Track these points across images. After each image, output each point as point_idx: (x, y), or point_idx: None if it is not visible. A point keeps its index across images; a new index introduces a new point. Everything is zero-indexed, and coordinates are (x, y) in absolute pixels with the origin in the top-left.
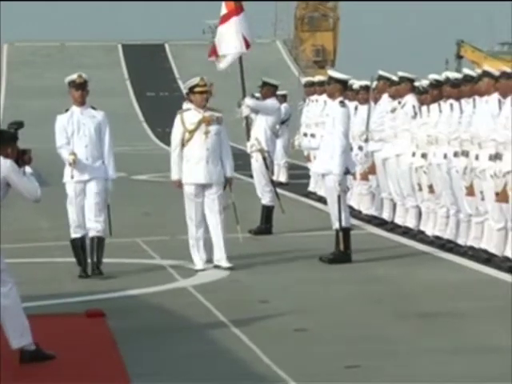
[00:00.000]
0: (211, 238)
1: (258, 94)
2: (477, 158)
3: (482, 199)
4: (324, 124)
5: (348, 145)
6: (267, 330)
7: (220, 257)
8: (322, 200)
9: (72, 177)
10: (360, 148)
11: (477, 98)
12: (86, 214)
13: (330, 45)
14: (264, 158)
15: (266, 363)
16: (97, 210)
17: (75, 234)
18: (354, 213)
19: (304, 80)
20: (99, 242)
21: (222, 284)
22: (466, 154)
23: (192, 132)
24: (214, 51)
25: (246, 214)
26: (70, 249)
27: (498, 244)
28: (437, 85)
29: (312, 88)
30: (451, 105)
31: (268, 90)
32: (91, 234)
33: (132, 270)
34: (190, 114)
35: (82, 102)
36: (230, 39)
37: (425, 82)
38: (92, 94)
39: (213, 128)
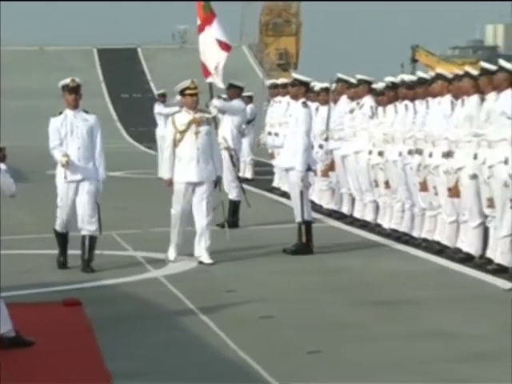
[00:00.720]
0: (195, 233)
1: (224, 96)
2: (430, 155)
3: (436, 194)
4: (287, 124)
5: (310, 143)
6: (234, 317)
7: (202, 254)
8: (286, 195)
9: (65, 177)
10: (321, 146)
11: (430, 99)
12: (78, 214)
13: (293, 49)
14: (231, 156)
15: (233, 348)
16: (89, 209)
17: (60, 229)
18: (316, 207)
19: (268, 82)
20: (92, 240)
21: (192, 274)
22: (419, 152)
23: (183, 133)
24: (205, 71)
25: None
26: (50, 241)
27: (450, 236)
28: (393, 87)
29: (276, 90)
30: (406, 106)
31: (234, 91)
32: (84, 232)
33: (107, 262)
34: (180, 116)
35: (75, 106)
36: (211, 51)
37: (381, 85)
38: None
39: (203, 128)
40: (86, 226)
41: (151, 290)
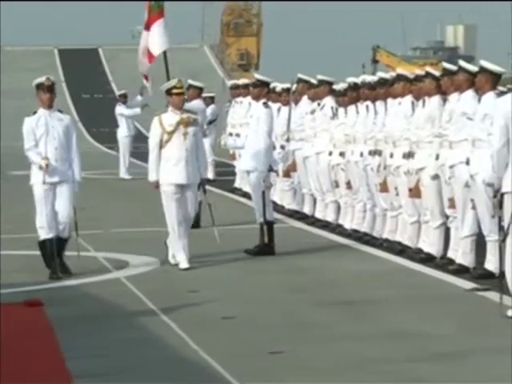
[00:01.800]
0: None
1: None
2: (391, 156)
3: (397, 195)
4: (248, 124)
5: (271, 144)
6: (196, 317)
7: (181, 258)
8: (247, 195)
9: (44, 182)
10: (282, 147)
11: (390, 100)
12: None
13: (254, 49)
14: None
15: (194, 349)
16: (65, 212)
17: (46, 235)
18: (277, 207)
19: (230, 83)
20: (63, 243)
21: (153, 275)
22: (379, 152)
23: (171, 133)
24: (150, 57)
25: None
26: (16, 242)
27: (411, 236)
28: (354, 87)
29: (237, 90)
30: (367, 106)
31: (194, 92)
32: (60, 235)
33: (68, 263)
34: (167, 116)
35: (50, 105)
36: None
37: (342, 85)
38: (32, 95)
39: (191, 129)
40: (62, 228)
41: (113, 291)
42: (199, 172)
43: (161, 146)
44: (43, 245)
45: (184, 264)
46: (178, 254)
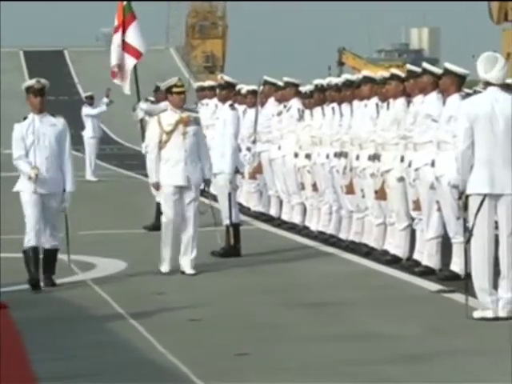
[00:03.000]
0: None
1: (152, 98)
2: (357, 158)
3: (363, 197)
4: (214, 126)
5: (237, 145)
6: (162, 320)
7: (185, 263)
8: (213, 197)
9: (34, 191)
10: (248, 149)
11: (356, 102)
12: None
13: (219, 51)
14: None
15: (161, 351)
16: (54, 223)
17: (31, 242)
18: (243, 209)
19: (195, 85)
20: (54, 254)
21: (120, 277)
22: (345, 154)
23: (169, 133)
24: (113, 72)
25: (142, 210)
26: None
27: (377, 238)
28: (321, 89)
29: (203, 92)
30: (333, 108)
31: (162, 93)
32: (46, 246)
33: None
34: (166, 115)
35: (41, 109)
36: (116, 53)
37: (309, 87)
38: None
39: (190, 129)
40: (49, 239)
41: (79, 293)
42: (202, 172)
43: (160, 146)
44: (27, 253)
45: (165, 267)
46: (165, 256)
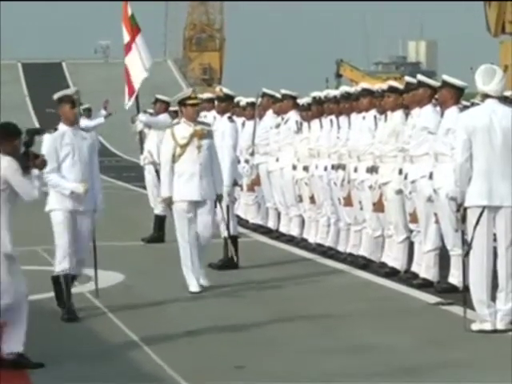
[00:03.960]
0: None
1: (150, 110)
2: (355, 170)
3: (361, 209)
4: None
5: (236, 158)
6: (160, 332)
7: (190, 281)
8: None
9: (69, 209)
10: (246, 161)
11: (354, 114)
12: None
13: (217, 64)
14: (156, 171)
15: (158, 363)
16: (86, 245)
17: (65, 268)
18: (242, 222)
19: None
20: (73, 279)
21: (118, 289)
22: (343, 167)
23: (184, 147)
24: (131, 90)
25: (140, 223)
26: None
27: (375, 251)
28: (319, 101)
29: (201, 104)
30: (331, 120)
31: (161, 106)
32: (73, 272)
33: (32, 277)
34: (180, 128)
35: (75, 121)
36: (136, 70)
37: (307, 99)
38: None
39: (205, 142)
40: (79, 262)
41: (76, 306)
42: (214, 187)
43: (173, 160)
44: (58, 280)
45: (193, 287)
46: (188, 277)
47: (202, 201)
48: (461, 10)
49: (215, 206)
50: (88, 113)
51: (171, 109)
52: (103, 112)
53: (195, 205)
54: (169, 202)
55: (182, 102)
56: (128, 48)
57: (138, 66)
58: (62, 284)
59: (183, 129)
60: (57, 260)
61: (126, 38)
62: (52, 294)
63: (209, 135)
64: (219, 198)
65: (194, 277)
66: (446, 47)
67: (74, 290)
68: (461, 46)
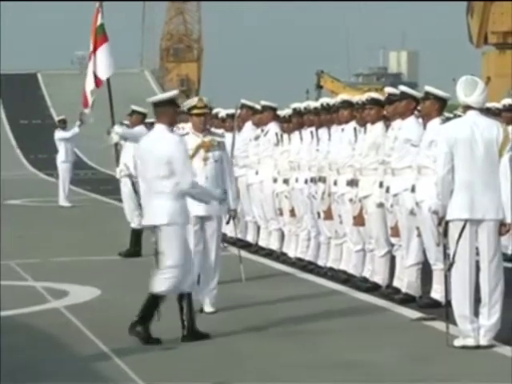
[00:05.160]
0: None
1: (126, 122)
2: (335, 183)
3: (341, 222)
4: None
5: None
6: (138, 348)
7: (205, 301)
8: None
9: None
10: None
11: (334, 126)
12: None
13: (195, 75)
14: (133, 183)
15: (136, 381)
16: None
17: (179, 289)
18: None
19: None
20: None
21: (94, 304)
22: (323, 179)
23: (190, 158)
24: (85, 101)
25: (116, 237)
26: None
27: (356, 265)
28: (299, 113)
29: (179, 116)
30: (311, 132)
31: (137, 117)
32: (187, 290)
33: (4, 292)
34: (187, 139)
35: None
36: (89, 81)
37: (287, 111)
38: None
39: (213, 154)
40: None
41: (51, 321)
42: (227, 203)
43: None
44: (161, 300)
45: (208, 308)
46: (202, 302)
47: (208, 216)
48: (443, 21)
49: (227, 223)
50: (63, 124)
51: (147, 120)
52: (78, 123)
53: (202, 220)
54: None
55: (189, 111)
56: (89, 57)
57: (89, 78)
58: (159, 303)
59: (190, 139)
60: (164, 277)
61: (91, 46)
62: (34, 308)
63: (219, 147)
64: (232, 215)
65: (208, 297)
66: (427, 58)
67: (48, 305)
68: (442, 56)
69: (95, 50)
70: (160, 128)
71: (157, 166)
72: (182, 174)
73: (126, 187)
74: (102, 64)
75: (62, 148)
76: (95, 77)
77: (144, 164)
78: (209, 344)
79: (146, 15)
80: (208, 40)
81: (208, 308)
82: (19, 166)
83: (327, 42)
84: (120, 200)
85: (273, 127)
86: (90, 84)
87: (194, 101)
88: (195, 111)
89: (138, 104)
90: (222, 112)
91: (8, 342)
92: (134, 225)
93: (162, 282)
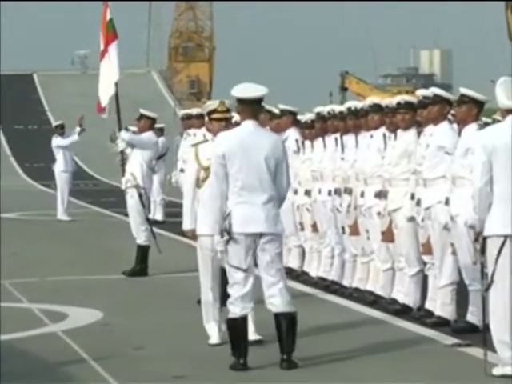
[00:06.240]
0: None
1: (133, 127)
2: (362, 195)
3: (368, 238)
4: None
5: None
6: (143, 377)
7: (212, 331)
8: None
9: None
10: None
11: (362, 132)
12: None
13: (206, 76)
14: (140, 195)
15: None
16: (277, 278)
17: (240, 310)
18: None
19: (181, 112)
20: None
21: (94, 329)
22: (349, 191)
23: (208, 169)
24: (99, 106)
25: (120, 254)
26: None
27: (384, 285)
28: (322, 118)
29: (190, 121)
30: (336, 139)
31: (146, 122)
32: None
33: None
34: (206, 147)
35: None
36: (105, 83)
37: (309, 116)
38: None
39: None
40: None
41: (49, 347)
42: None
43: (198, 185)
44: (233, 324)
45: (214, 339)
46: (209, 325)
47: None
48: (479, 16)
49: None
50: (61, 130)
51: (157, 126)
52: (78, 129)
53: None
54: (192, 236)
55: (208, 116)
56: (102, 56)
57: (107, 78)
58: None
59: (209, 148)
60: (230, 301)
61: (102, 44)
62: (30, 332)
63: None
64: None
65: (216, 326)
66: (462, 57)
67: (46, 330)
68: (479, 55)
69: (107, 47)
70: None
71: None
72: None
73: (132, 199)
74: (114, 65)
75: (60, 156)
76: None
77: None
78: (217, 372)
79: (153, 11)
80: (221, 38)
81: (214, 340)
82: (13, 176)
83: (352, 41)
84: (125, 213)
85: (292, 133)
86: (107, 87)
87: (214, 104)
88: (216, 115)
89: (144, 107)
90: (236, 117)
91: (2, 369)
92: (140, 241)
93: None
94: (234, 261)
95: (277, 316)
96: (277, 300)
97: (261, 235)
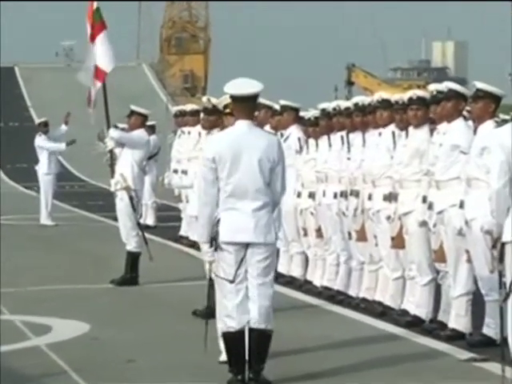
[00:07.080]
0: None
1: (121, 125)
2: (370, 197)
3: (376, 245)
4: (198, 159)
5: None
6: None
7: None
8: (195, 245)
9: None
10: None
11: (370, 130)
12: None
13: (201, 70)
14: (130, 198)
15: None
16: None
17: (235, 325)
18: None
19: (174, 109)
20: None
21: (81, 342)
22: (355, 193)
23: None
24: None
25: (108, 261)
26: None
27: (394, 295)
28: (328, 115)
29: (184, 118)
30: (342, 137)
31: (137, 119)
32: (255, 326)
33: None
34: None
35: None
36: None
37: (313, 112)
38: None
39: None
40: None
41: (31, 362)
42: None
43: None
44: (231, 338)
45: (224, 356)
46: (221, 343)
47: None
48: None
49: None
50: (45, 128)
51: (148, 123)
52: (63, 127)
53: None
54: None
55: (224, 110)
56: (92, 39)
57: (88, 73)
58: (234, 342)
59: None
60: (223, 315)
61: (88, 29)
62: (11, 346)
63: None
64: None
65: None
66: (477, 49)
67: (28, 343)
68: (495, 47)
69: (93, 38)
70: None
71: None
72: None
73: (121, 202)
74: (104, 54)
75: (43, 156)
76: (96, 70)
77: None
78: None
79: None
80: (216, 28)
81: (224, 357)
82: None
83: (359, 32)
84: (114, 218)
85: (294, 131)
86: (89, 79)
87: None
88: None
89: (135, 103)
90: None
91: None
92: (131, 247)
93: None
94: (221, 271)
95: (250, 331)
96: (254, 315)
97: (248, 245)
